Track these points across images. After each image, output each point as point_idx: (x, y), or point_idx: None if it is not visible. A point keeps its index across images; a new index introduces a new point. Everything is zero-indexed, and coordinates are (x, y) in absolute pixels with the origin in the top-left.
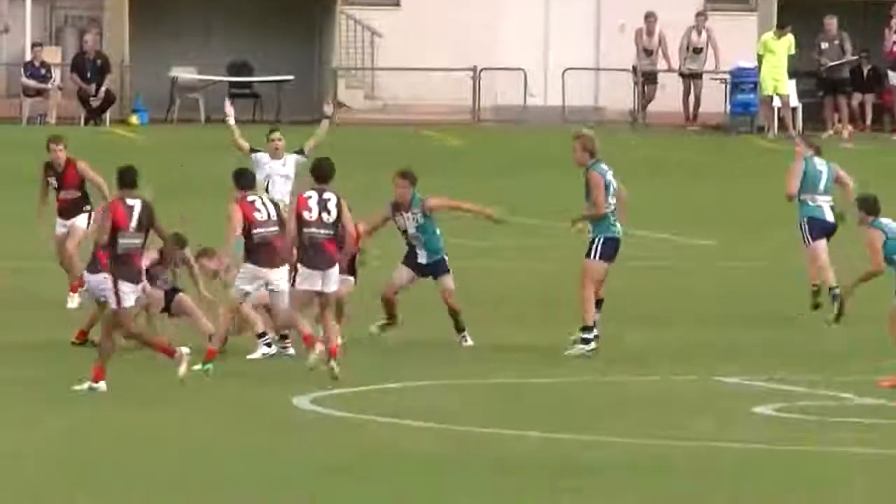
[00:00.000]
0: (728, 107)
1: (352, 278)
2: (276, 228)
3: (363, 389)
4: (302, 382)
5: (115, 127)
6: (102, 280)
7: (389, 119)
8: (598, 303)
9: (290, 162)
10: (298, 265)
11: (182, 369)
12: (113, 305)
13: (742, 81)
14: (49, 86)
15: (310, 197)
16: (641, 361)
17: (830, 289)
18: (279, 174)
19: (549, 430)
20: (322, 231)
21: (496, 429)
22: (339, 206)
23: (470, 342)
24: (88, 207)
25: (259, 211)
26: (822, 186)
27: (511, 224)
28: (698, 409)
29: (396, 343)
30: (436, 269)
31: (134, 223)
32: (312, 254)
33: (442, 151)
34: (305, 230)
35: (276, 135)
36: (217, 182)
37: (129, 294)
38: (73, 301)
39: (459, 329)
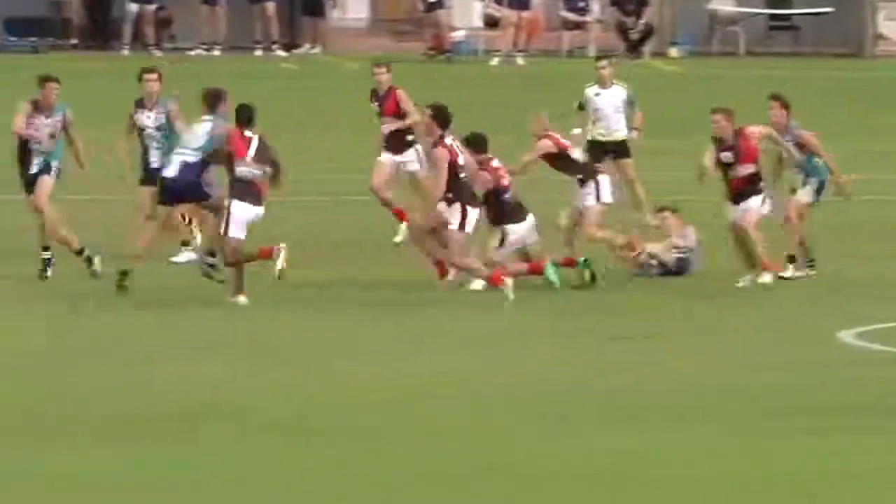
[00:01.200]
0: None
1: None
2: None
3: None
4: (843, 317)
5: (654, 59)
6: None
7: None
8: None
9: (619, 93)
10: (467, 207)
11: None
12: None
13: None
14: (588, 18)
15: (451, 145)
16: None
17: None
18: (610, 105)
19: None
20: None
21: None
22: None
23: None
24: (412, 138)
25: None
26: None
27: None
28: None
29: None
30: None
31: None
32: (468, 190)
33: None
34: (462, 175)
35: (603, 62)
36: (750, 109)
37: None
38: (400, 234)
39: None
